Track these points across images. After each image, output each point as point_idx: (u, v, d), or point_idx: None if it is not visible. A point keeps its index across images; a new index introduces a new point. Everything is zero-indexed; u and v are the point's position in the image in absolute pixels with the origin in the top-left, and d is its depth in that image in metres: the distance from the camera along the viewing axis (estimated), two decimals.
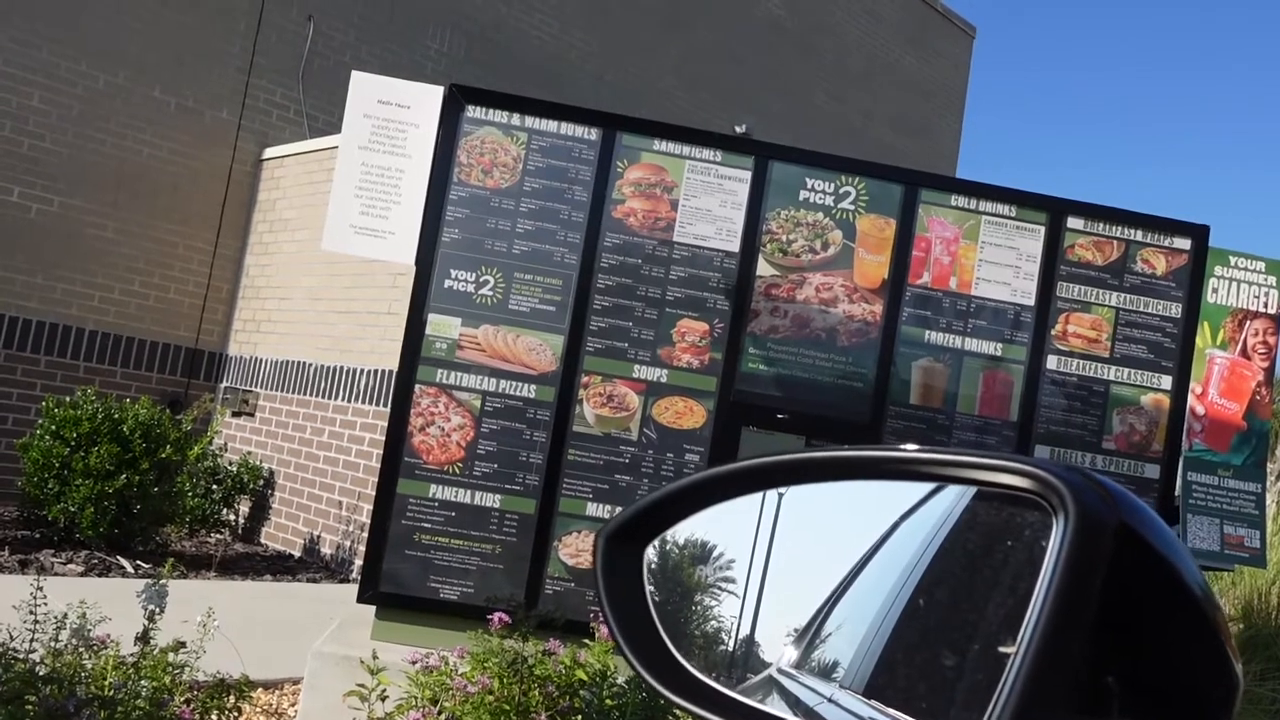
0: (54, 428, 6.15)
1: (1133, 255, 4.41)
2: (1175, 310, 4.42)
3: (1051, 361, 4.36)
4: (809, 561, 0.98)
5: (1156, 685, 0.73)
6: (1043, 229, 4.39)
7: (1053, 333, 4.36)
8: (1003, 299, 4.35)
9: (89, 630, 2.72)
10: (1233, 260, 4.49)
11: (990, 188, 4.44)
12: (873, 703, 0.83)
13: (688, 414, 4.22)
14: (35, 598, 2.67)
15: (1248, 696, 5.12)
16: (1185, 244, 4.44)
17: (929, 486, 0.86)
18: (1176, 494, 4.40)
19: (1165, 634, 0.73)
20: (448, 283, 4.19)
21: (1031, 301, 4.36)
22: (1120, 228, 4.42)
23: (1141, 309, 4.40)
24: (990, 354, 4.34)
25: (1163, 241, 4.43)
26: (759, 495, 0.95)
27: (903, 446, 0.85)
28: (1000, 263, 4.36)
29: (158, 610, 2.79)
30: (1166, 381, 4.40)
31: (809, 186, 4.32)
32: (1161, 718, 0.73)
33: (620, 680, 3.27)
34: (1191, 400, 4.43)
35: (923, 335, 4.32)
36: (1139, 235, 4.42)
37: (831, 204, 4.31)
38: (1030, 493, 0.72)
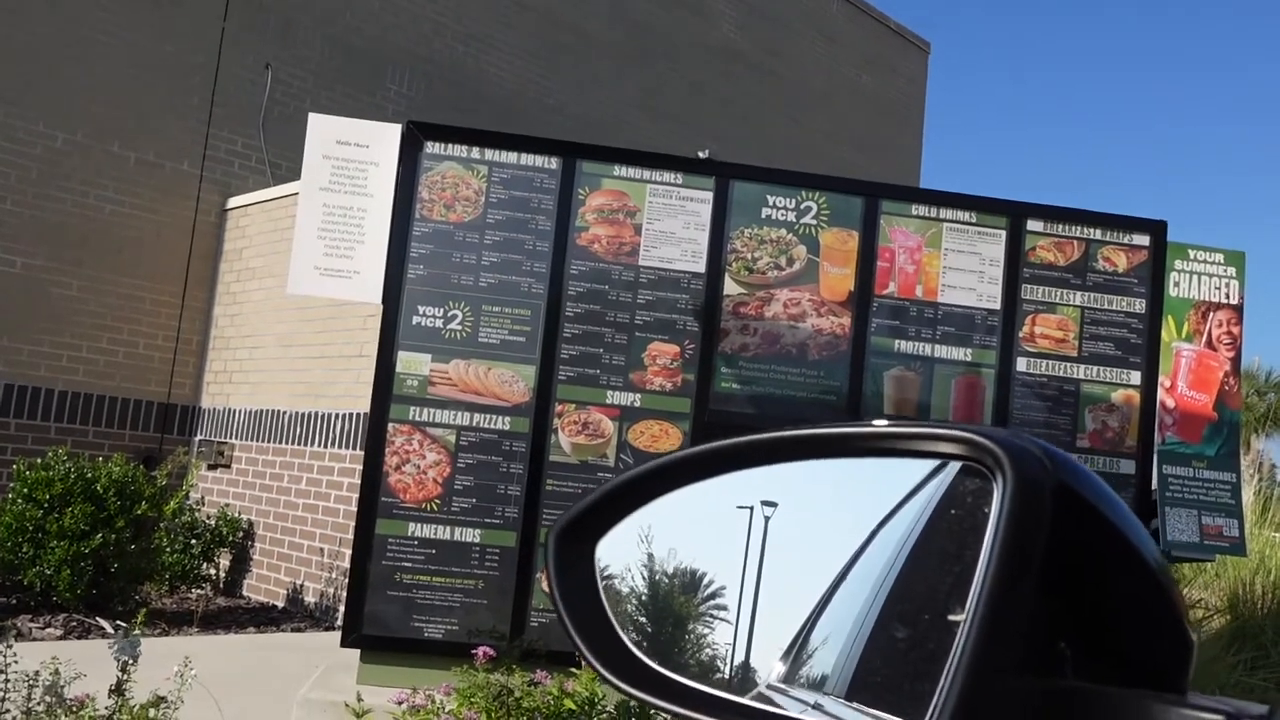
0: (26, 490, 6.07)
1: (1093, 254, 4.46)
2: (1139, 306, 4.46)
3: (1021, 364, 4.39)
4: (790, 570, 0.97)
5: (1109, 648, 0.73)
6: (1004, 233, 4.43)
7: (1020, 335, 4.39)
8: (969, 304, 4.39)
9: (62, 688, 2.67)
10: (1192, 254, 4.55)
11: (950, 195, 4.48)
12: (854, 704, 0.82)
13: (664, 436, 4.22)
14: (5, 656, 2.62)
15: (1239, 686, 5.13)
16: (1144, 240, 4.49)
17: (900, 478, 0.85)
18: (1154, 488, 4.42)
19: (1114, 596, 0.73)
20: (416, 319, 4.18)
21: (998, 305, 4.39)
22: (1079, 228, 4.47)
23: (1106, 306, 4.45)
24: (960, 360, 4.37)
25: (1122, 239, 4.48)
26: (723, 495, 0.94)
27: (863, 422, 0.85)
28: (964, 269, 4.40)
29: (130, 662, 2.75)
30: (1135, 377, 4.43)
31: (770, 204, 4.34)
32: (1116, 680, 0.73)
33: (610, 707, 3.25)
34: (1161, 394, 4.47)
35: (892, 345, 4.34)
36: (1098, 234, 4.47)
37: (794, 220, 4.34)
38: (969, 459, 0.72)
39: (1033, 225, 4.45)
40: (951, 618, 0.69)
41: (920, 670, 0.76)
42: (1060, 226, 4.46)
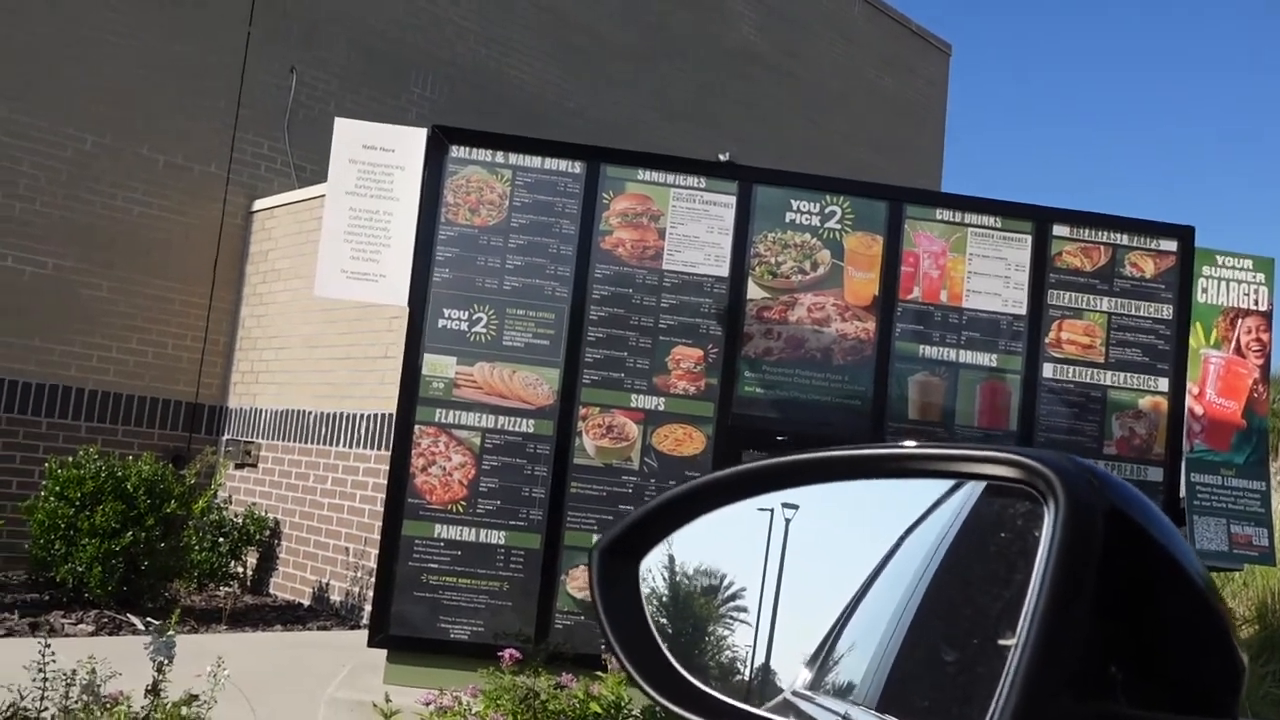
0: (58, 489, 6.14)
1: (1120, 259, 4.44)
2: (1167, 312, 4.44)
3: (1047, 370, 4.38)
4: (817, 579, 0.98)
5: (1161, 672, 0.74)
6: (1029, 238, 4.42)
7: (1046, 341, 4.38)
8: (995, 310, 4.38)
9: (99, 686, 2.71)
10: (1220, 259, 4.52)
11: (975, 200, 4.48)
12: (886, 717, 0.83)
13: (687, 440, 4.23)
14: (44, 655, 2.66)
15: (1269, 698, 5.09)
16: (1172, 245, 4.47)
17: (931, 490, 0.86)
18: (1182, 496, 4.40)
19: (1166, 619, 0.74)
20: (441, 322, 4.21)
21: (1023, 311, 4.39)
22: (1106, 233, 4.46)
23: (1133, 312, 4.43)
24: (986, 365, 4.36)
25: (1149, 244, 4.46)
26: (758, 510, 0.96)
27: (896, 444, 0.86)
28: (990, 274, 4.39)
29: (165, 662, 2.78)
30: (1163, 383, 4.41)
31: (794, 208, 4.35)
32: (1167, 704, 0.73)
33: (636, 711, 3.26)
34: (1189, 401, 4.44)
35: (917, 350, 4.34)
36: (1125, 239, 4.46)
37: (818, 224, 4.35)
38: (1019, 482, 0.73)
39: (1059, 230, 4.44)
40: (1002, 642, 0.71)
41: (967, 692, 0.77)
42: (1087, 231, 4.45)
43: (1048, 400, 4.36)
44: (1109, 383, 4.39)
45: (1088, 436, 4.35)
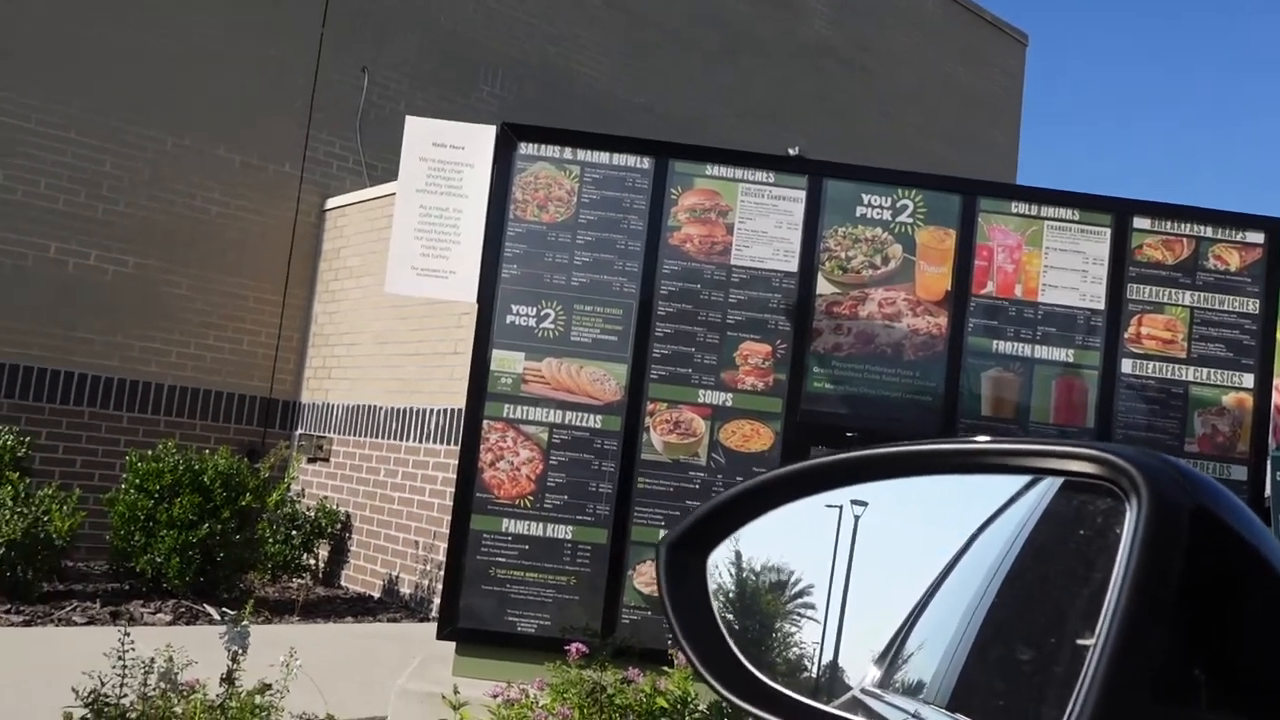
0: (138, 481, 6.31)
1: (1204, 252, 4.31)
2: (1253, 306, 4.29)
3: (1126, 365, 4.26)
4: (887, 576, 0.96)
5: (1247, 676, 0.71)
6: (1108, 231, 4.31)
7: (1126, 336, 4.26)
8: (1071, 304, 4.27)
9: (176, 674, 2.77)
10: None
11: (1051, 192, 4.37)
12: (958, 716, 0.81)
13: (755, 436, 4.20)
14: (123, 643, 2.73)
15: None
16: (1259, 238, 4.32)
17: (1004, 486, 0.84)
18: (1266, 495, 4.25)
19: (1253, 622, 0.71)
20: (509, 318, 4.23)
21: (1102, 305, 4.27)
22: (1189, 225, 4.32)
23: (1217, 306, 4.29)
24: (1062, 361, 4.26)
25: (1235, 236, 4.32)
26: (826, 506, 0.94)
27: (970, 439, 0.83)
28: (1066, 268, 4.29)
29: (240, 651, 2.84)
30: (1248, 380, 4.27)
31: (865, 202, 4.29)
32: (1252, 710, 0.70)
33: (702, 706, 3.25)
34: (1276, 398, 4.29)
35: (991, 345, 4.25)
36: (1209, 231, 4.32)
37: (889, 218, 4.28)
38: (1101, 479, 0.70)
39: (1139, 223, 4.31)
40: (1080, 641, 0.68)
41: (1043, 692, 0.74)
42: (1169, 224, 4.32)
43: (1126, 396, 4.25)
44: (1191, 378, 4.26)
45: (1168, 434, 4.23)
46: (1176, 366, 4.26)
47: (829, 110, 12.38)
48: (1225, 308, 4.29)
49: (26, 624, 5.48)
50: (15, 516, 5.84)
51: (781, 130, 11.49)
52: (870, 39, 13.00)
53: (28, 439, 6.71)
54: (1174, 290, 4.29)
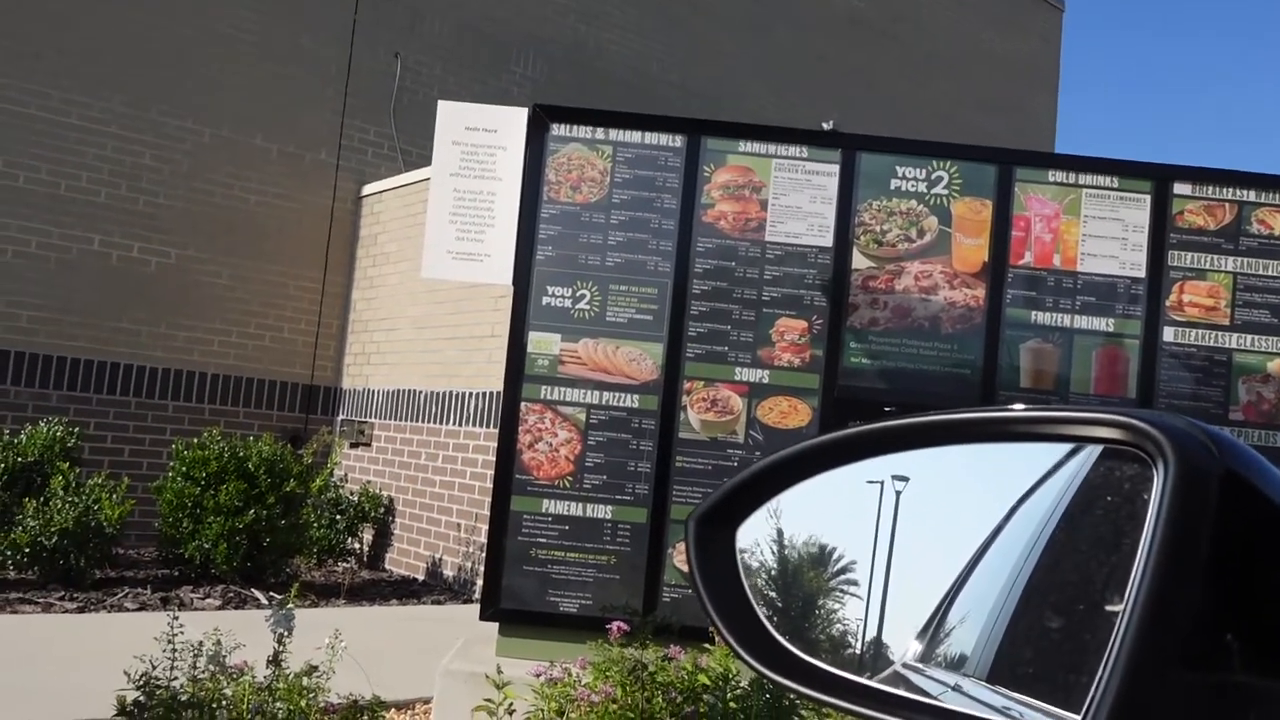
0: (184, 469, 6.42)
1: (1247, 217, 4.22)
2: None
3: (1168, 334, 4.20)
4: (928, 548, 0.96)
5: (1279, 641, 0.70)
6: (1148, 198, 4.24)
7: (1167, 304, 4.20)
8: (1111, 273, 4.21)
9: (224, 657, 2.82)
10: None
11: (1089, 160, 4.31)
12: (997, 688, 0.81)
13: (792, 413, 4.19)
14: (172, 628, 2.79)
15: None
16: None
17: (1046, 455, 0.83)
18: None
19: None
20: (545, 300, 4.24)
21: (1142, 273, 4.21)
22: (1231, 189, 4.24)
23: (1261, 272, 4.21)
24: (1102, 330, 4.20)
25: (1278, 200, 4.23)
26: (866, 483, 0.93)
27: (1001, 407, 0.83)
28: (1106, 236, 4.22)
29: (286, 634, 2.89)
30: None
31: (900, 175, 4.25)
32: None
33: (744, 683, 3.26)
34: None
35: (1029, 316, 4.21)
36: (1252, 196, 4.23)
37: (924, 190, 4.24)
38: (1128, 444, 0.70)
39: (1180, 189, 4.24)
40: (1109, 608, 0.68)
41: (1074, 660, 0.74)
42: (1210, 189, 4.24)
43: (1169, 365, 4.19)
44: (1234, 345, 4.19)
45: (1212, 402, 4.17)
46: (1220, 334, 4.19)
47: (863, 82, 12.26)
48: (1270, 273, 4.21)
49: (80, 610, 5.61)
50: (67, 506, 5.96)
51: (815, 103, 11.40)
52: (903, 8, 12.84)
53: (76, 430, 6.85)
54: (1216, 256, 4.22)
